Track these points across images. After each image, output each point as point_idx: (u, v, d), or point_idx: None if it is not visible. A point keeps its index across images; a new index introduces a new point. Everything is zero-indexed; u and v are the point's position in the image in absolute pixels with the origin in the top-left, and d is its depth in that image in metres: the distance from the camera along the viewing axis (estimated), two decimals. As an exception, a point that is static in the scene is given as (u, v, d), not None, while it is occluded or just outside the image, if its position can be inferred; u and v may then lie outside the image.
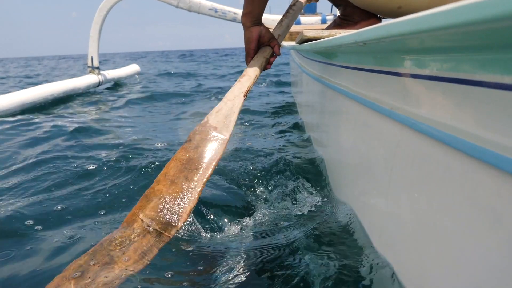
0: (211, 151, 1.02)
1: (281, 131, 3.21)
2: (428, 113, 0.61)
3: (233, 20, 6.03)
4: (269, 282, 1.01)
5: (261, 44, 1.38)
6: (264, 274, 1.04)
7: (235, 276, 1.05)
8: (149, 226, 0.89)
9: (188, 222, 1.28)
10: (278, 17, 5.72)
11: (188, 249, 1.12)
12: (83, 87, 5.85)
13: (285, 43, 2.31)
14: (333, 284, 0.94)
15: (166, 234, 0.89)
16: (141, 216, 0.90)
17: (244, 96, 1.21)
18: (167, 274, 1.00)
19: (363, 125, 1.01)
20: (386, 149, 0.81)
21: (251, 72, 1.29)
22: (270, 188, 1.78)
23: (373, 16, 1.52)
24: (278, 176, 1.89)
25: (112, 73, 7.15)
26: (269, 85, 6.69)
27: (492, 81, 0.44)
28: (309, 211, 1.47)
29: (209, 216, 1.38)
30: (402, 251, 0.77)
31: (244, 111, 4.62)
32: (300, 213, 1.46)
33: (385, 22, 1.65)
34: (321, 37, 1.32)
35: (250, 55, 1.36)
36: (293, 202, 1.59)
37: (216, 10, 5.97)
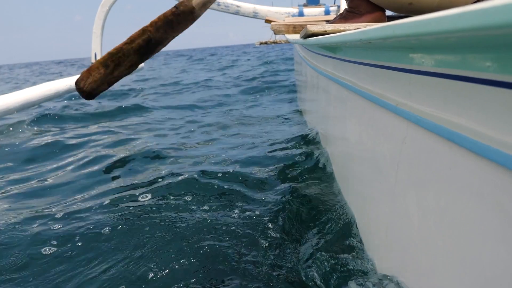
0: (183, 23, 1.50)
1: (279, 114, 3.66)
2: (434, 110, 0.61)
3: (236, 13, 6.00)
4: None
5: None
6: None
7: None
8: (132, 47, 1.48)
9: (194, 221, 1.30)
10: (281, 10, 5.69)
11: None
12: None
13: (289, 37, 2.30)
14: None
15: (141, 57, 1.50)
16: (137, 41, 1.47)
17: None
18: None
19: (368, 121, 1.01)
20: (392, 146, 0.82)
21: None
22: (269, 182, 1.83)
23: (378, 9, 1.51)
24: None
25: None
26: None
27: (498, 79, 0.45)
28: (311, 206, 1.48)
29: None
30: (409, 249, 0.77)
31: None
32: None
33: (389, 15, 1.64)
34: (325, 32, 1.32)
35: None
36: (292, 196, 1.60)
37: (219, 3, 5.93)
